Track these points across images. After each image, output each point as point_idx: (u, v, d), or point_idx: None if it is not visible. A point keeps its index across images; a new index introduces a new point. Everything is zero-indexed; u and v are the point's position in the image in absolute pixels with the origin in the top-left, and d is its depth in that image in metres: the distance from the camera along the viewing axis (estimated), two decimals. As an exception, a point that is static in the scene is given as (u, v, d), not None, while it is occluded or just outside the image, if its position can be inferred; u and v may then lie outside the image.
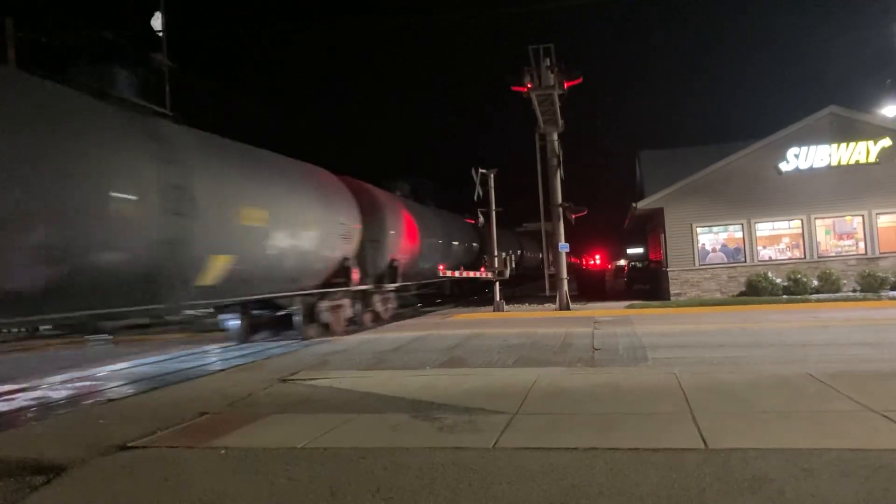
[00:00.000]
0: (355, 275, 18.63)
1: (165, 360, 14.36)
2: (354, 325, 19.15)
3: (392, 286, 21.91)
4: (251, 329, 16.80)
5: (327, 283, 17.80)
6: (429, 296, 29.85)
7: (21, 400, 10.68)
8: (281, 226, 14.87)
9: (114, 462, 5.85)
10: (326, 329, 17.30)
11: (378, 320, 20.72)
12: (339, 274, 18.17)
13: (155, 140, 11.38)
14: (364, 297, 20.07)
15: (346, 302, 18.61)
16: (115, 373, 13.06)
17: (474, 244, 33.56)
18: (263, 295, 15.14)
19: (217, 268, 12.85)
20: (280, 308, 16.47)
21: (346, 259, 18.36)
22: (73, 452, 6.04)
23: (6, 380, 12.05)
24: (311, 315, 16.96)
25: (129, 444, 6.33)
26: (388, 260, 21.44)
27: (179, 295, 12.00)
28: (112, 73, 11.78)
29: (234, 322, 16.52)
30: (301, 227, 15.92)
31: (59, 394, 11.04)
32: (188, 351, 16.21)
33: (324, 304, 17.33)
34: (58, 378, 12.35)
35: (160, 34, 18.53)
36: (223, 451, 6.02)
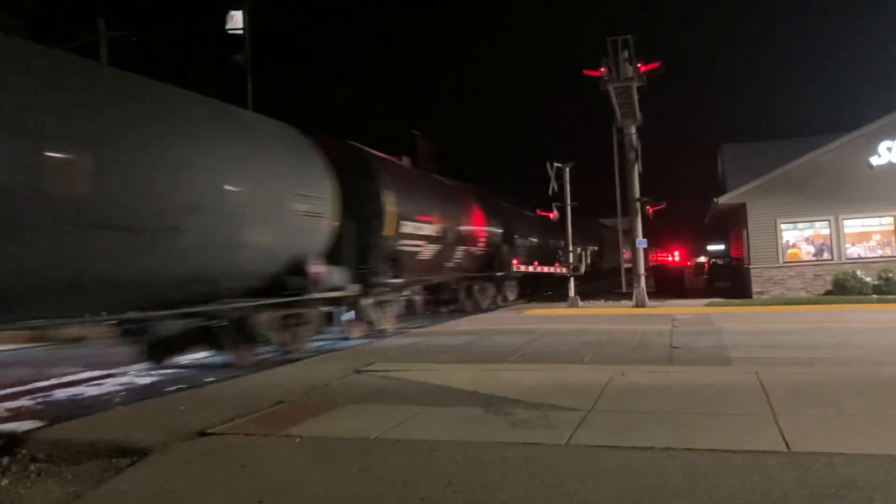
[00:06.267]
0: (317, 270, 12.78)
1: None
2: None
3: (390, 284, 16.09)
4: (165, 346, 11.17)
5: (277, 284, 12.12)
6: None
7: (109, 385, 11.14)
8: (149, 188, 9.03)
9: (194, 447, 6.03)
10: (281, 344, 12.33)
11: (374, 333, 15.44)
12: (297, 271, 12.45)
13: None
14: (354, 303, 14.60)
15: (313, 312, 13.15)
16: (195, 361, 13.46)
17: (532, 238, 31.12)
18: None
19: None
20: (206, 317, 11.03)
21: (307, 251, 12.64)
22: (156, 437, 6.25)
23: (96, 366, 12.57)
24: (242, 332, 11.40)
25: (209, 431, 6.51)
26: (384, 250, 15.87)
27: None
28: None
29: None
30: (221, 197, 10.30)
31: (144, 380, 11.46)
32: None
33: (264, 318, 11.73)
34: (142, 365, 12.81)
35: (241, 32, 18.91)
36: (298, 440, 6.13)
